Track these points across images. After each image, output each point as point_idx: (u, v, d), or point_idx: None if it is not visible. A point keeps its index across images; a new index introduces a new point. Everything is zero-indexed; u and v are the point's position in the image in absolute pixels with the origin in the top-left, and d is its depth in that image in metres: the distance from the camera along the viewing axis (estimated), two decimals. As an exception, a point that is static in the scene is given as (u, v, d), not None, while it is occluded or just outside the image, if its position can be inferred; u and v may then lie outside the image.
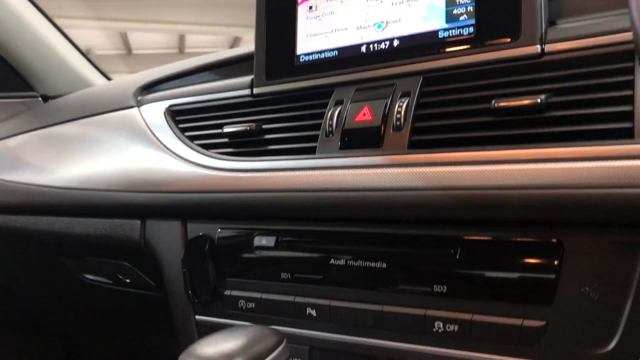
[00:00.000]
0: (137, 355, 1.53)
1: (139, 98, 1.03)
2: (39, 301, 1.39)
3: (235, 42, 10.55)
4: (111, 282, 1.10)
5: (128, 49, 10.26)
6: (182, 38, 10.30)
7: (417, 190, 0.64)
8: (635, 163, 0.53)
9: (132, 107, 1.02)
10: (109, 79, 1.56)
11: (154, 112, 0.97)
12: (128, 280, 1.05)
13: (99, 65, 1.58)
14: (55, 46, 1.53)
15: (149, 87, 1.04)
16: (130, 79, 1.12)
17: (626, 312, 0.55)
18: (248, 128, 0.82)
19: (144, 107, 1.00)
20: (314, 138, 0.75)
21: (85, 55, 1.62)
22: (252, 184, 0.77)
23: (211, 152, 0.85)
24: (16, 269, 1.31)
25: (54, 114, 1.22)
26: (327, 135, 0.74)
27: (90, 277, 1.15)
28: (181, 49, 10.89)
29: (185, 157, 0.86)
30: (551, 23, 0.68)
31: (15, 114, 1.41)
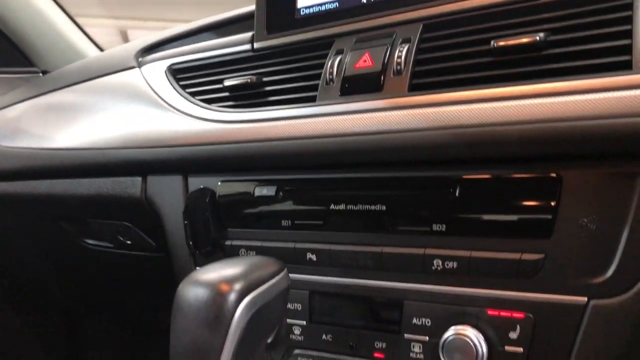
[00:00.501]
0: (138, 327, 1.53)
1: (140, 59, 1.03)
2: (39, 272, 1.39)
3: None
4: (112, 245, 1.11)
5: (127, 44, 10.22)
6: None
7: (417, 131, 0.65)
8: (633, 93, 0.54)
9: (133, 67, 1.02)
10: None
11: (155, 71, 0.97)
12: (129, 242, 1.06)
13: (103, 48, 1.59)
14: (56, 22, 1.54)
15: (150, 49, 1.04)
16: (130, 44, 1.13)
17: (623, 241, 0.56)
18: (249, 80, 0.82)
19: (145, 67, 1.00)
20: (315, 87, 0.76)
21: (86, 33, 1.63)
22: (253, 133, 0.77)
23: (212, 106, 0.85)
24: (16, 239, 1.31)
25: (53, 82, 1.23)
26: (327, 83, 0.74)
27: (91, 242, 1.15)
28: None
29: (186, 111, 0.86)
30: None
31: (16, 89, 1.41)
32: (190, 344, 0.41)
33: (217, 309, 0.41)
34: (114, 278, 1.28)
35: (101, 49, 1.60)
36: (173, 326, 0.47)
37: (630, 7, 0.59)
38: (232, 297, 0.42)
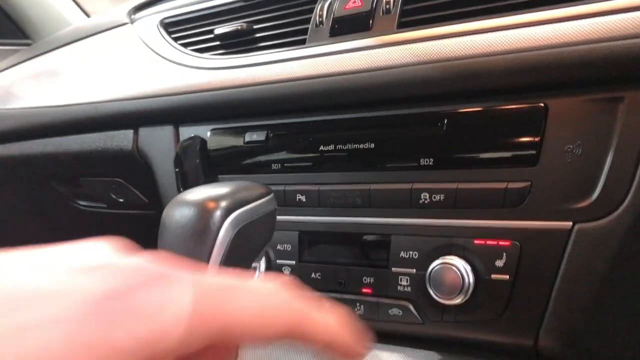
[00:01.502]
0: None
1: (133, 16, 1.03)
2: (32, 237, 1.39)
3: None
4: (105, 205, 1.11)
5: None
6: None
7: (406, 66, 0.65)
8: (614, 17, 0.54)
9: (125, 24, 1.02)
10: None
11: (147, 26, 0.97)
12: (121, 200, 1.06)
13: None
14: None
15: (143, 6, 1.04)
16: (123, 5, 1.13)
17: (607, 165, 0.56)
18: (239, 27, 0.82)
19: (137, 23, 1.00)
20: (305, 31, 0.76)
21: (80, 6, 1.62)
22: (243, 78, 0.77)
23: (204, 54, 0.86)
24: (8, 203, 1.31)
25: (45, 46, 1.23)
26: (317, 26, 0.75)
27: (83, 203, 1.15)
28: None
29: (178, 60, 0.87)
30: None
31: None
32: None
33: (203, 225, 0.41)
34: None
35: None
36: (160, 244, 0.48)
37: None
38: (218, 213, 0.42)
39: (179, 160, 0.84)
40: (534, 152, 0.60)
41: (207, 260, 0.41)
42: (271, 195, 0.49)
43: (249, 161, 0.79)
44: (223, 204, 0.43)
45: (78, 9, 1.60)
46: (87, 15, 1.57)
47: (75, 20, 1.55)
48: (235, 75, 0.78)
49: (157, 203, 0.93)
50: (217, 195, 0.48)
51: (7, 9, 1.51)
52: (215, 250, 0.41)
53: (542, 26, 0.58)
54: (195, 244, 0.42)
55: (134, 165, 0.94)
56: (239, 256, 0.43)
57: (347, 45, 0.70)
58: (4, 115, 1.12)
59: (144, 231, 1.10)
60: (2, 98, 1.16)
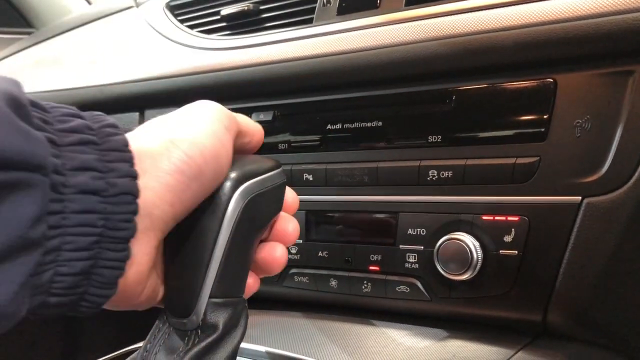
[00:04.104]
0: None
1: (138, 0, 1.03)
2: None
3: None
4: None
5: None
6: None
7: (414, 43, 0.65)
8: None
9: (130, 8, 1.02)
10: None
11: (153, 9, 0.97)
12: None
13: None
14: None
15: (148, -9, 1.04)
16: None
17: (616, 139, 0.56)
18: (246, 8, 0.82)
19: (142, 6, 1.00)
20: (312, 10, 0.76)
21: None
22: (251, 58, 0.77)
23: (212, 36, 0.85)
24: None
25: (49, 31, 1.23)
26: (324, 5, 0.75)
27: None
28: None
29: (184, 42, 0.86)
30: None
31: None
32: (188, 227, 0.41)
33: (213, 195, 0.41)
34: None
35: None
36: None
37: None
38: (228, 184, 0.42)
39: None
40: (542, 127, 0.60)
41: (218, 231, 0.40)
42: (280, 169, 0.49)
43: (255, 141, 0.79)
44: (233, 175, 0.43)
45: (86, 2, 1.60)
46: (89, 2, 1.57)
47: (77, 8, 1.55)
48: (242, 55, 0.78)
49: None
50: None
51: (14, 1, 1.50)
52: (225, 221, 0.41)
53: (550, 0, 0.58)
54: (206, 215, 0.42)
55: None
56: (249, 227, 0.42)
57: (354, 24, 0.70)
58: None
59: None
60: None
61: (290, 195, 0.49)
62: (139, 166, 0.33)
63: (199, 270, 0.39)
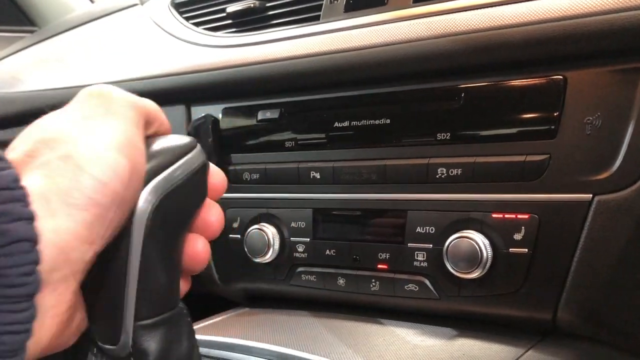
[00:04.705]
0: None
1: (142, -2, 1.03)
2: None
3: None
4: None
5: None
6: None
7: (422, 40, 0.65)
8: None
9: (135, 5, 1.02)
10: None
11: (158, 6, 0.97)
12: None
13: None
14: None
15: (152, -11, 1.04)
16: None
17: (628, 135, 0.56)
18: (252, 5, 0.82)
19: (147, 4, 1.00)
20: (319, 7, 0.76)
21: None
22: (257, 55, 0.77)
23: (217, 33, 0.85)
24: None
25: (52, 29, 1.22)
26: (331, 2, 0.74)
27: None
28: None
29: (189, 39, 0.86)
30: None
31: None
32: None
33: None
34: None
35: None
36: None
37: None
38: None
39: (190, 140, 0.83)
40: (552, 124, 0.59)
41: (128, 244, 0.33)
42: (197, 148, 0.39)
43: (262, 139, 0.79)
44: None
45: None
46: (92, 0, 1.57)
47: (80, 7, 1.54)
48: (248, 52, 0.78)
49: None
50: None
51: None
52: (134, 232, 0.34)
53: (561, -4, 0.57)
54: None
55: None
56: (167, 230, 0.36)
57: (362, 21, 0.70)
58: (11, 99, 1.11)
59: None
60: (9, 83, 1.15)
61: (216, 176, 0.41)
62: (41, 204, 0.28)
63: (117, 294, 0.33)
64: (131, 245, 0.33)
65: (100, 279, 0.34)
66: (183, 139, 0.39)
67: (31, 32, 1.50)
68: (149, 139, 0.37)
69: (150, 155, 0.35)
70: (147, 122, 0.37)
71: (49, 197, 0.28)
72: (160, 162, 0.36)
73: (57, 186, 0.29)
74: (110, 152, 0.31)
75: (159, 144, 0.37)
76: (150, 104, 0.38)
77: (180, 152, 0.37)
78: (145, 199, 0.34)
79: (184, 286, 0.40)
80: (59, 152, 0.30)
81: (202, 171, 0.39)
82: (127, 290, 0.33)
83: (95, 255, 0.31)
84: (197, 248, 0.39)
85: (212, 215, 0.40)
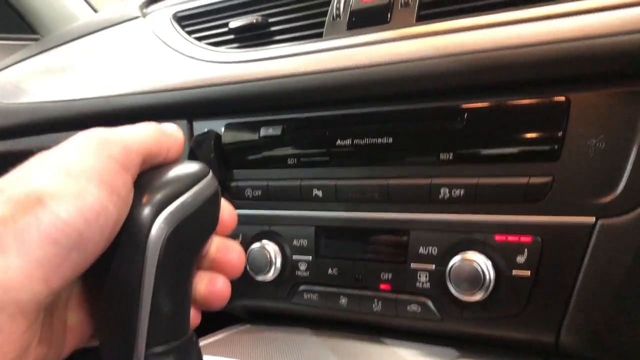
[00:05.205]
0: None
1: (144, 10, 1.03)
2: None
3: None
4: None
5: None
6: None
7: (425, 59, 0.64)
8: (637, 11, 0.53)
9: (137, 18, 1.02)
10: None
11: (160, 20, 0.97)
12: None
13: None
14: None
15: (155, 0, 1.04)
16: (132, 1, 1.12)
17: (631, 159, 0.56)
18: (254, 21, 0.82)
19: (149, 17, 1.00)
20: (321, 24, 0.76)
21: (89, 3, 1.62)
22: (259, 72, 0.77)
23: (219, 48, 0.85)
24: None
25: (55, 40, 1.22)
26: (334, 19, 0.74)
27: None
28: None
29: (192, 54, 0.86)
30: None
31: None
32: (107, 269, 0.34)
33: (131, 227, 0.34)
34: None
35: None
36: None
37: None
38: (146, 212, 0.34)
39: (192, 155, 0.83)
40: (555, 146, 0.59)
41: (141, 272, 0.34)
42: (210, 175, 0.39)
43: (264, 156, 0.78)
44: (148, 200, 0.34)
45: (86, 5, 1.60)
46: (95, 10, 1.57)
47: (83, 15, 1.55)
48: (251, 69, 0.78)
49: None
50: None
51: (15, 4, 1.50)
52: (148, 259, 0.34)
53: (564, 18, 0.57)
54: (124, 253, 0.34)
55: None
56: (179, 258, 0.36)
57: (365, 39, 0.70)
58: (13, 110, 1.11)
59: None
60: (12, 93, 1.15)
61: (227, 210, 0.41)
62: None
63: (129, 321, 0.34)
64: (144, 274, 0.33)
65: (110, 305, 0.34)
66: (195, 166, 0.39)
67: (33, 40, 1.50)
68: (160, 168, 0.37)
69: (162, 184, 0.36)
70: (149, 156, 0.36)
71: (1, 232, 0.27)
72: (173, 190, 0.35)
73: (14, 221, 0.28)
74: (79, 190, 0.30)
75: (170, 172, 0.37)
76: (148, 140, 0.36)
77: (192, 180, 0.37)
78: (158, 227, 0.34)
79: (195, 319, 0.40)
80: (25, 186, 0.29)
81: (215, 199, 0.39)
82: (139, 318, 0.33)
83: (54, 294, 0.30)
84: (217, 287, 0.40)
85: (233, 254, 0.41)
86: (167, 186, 0.36)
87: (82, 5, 1.59)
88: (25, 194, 0.29)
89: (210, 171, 0.40)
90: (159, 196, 0.35)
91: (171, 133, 0.39)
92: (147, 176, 0.36)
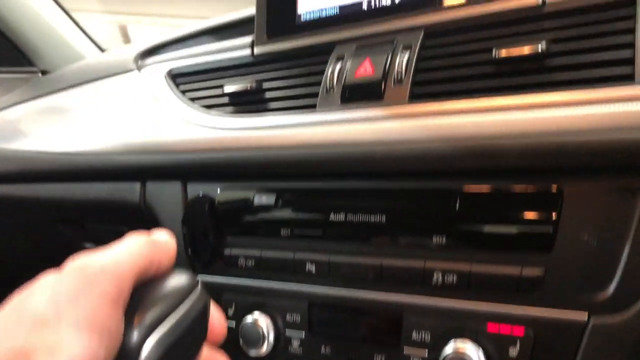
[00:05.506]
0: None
1: (140, 63, 1.02)
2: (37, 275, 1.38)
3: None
4: (111, 249, 1.10)
5: (128, 42, 10.27)
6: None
7: (418, 142, 0.64)
8: (636, 107, 0.53)
9: (132, 70, 1.01)
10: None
11: (155, 75, 0.96)
12: (128, 246, 1.05)
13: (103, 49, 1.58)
14: (55, 22, 1.53)
15: (150, 53, 1.03)
16: (130, 47, 1.12)
17: (624, 258, 0.55)
18: (248, 87, 0.81)
19: (144, 71, 0.99)
20: (315, 94, 0.75)
21: (85, 32, 1.62)
22: (252, 141, 0.76)
23: (212, 111, 0.85)
24: (15, 243, 1.31)
25: (52, 83, 1.22)
26: (327, 91, 0.74)
27: (89, 245, 1.15)
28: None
29: (185, 117, 0.86)
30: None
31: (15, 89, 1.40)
32: None
33: (118, 354, 0.33)
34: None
35: (101, 49, 1.60)
36: None
37: (632, 17, 0.58)
38: (135, 337, 0.34)
39: (186, 221, 0.83)
40: (548, 237, 0.59)
41: None
42: (199, 287, 0.39)
43: (258, 224, 0.78)
44: (136, 324, 0.34)
45: (87, 39, 1.60)
46: (100, 48, 1.57)
47: (85, 50, 1.54)
48: (243, 137, 0.78)
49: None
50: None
51: (11, 36, 1.49)
52: None
53: (558, 109, 0.57)
54: None
55: (141, 216, 0.93)
56: None
57: (358, 114, 0.69)
58: (10, 156, 1.11)
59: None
60: (9, 136, 1.15)
61: (217, 319, 0.41)
62: None
63: None
64: None
65: None
66: (183, 280, 0.38)
67: (30, 72, 1.49)
68: (149, 284, 0.37)
69: (151, 303, 0.35)
70: (141, 275, 0.36)
71: None
72: (163, 310, 0.35)
73: None
74: (68, 341, 0.30)
75: (159, 289, 0.36)
76: (139, 260, 0.36)
77: (181, 296, 0.37)
78: (149, 352, 0.34)
79: None
80: (13, 342, 0.29)
81: (204, 313, 0.39)
82: None
83: None
84: None
85: None
86: (156, 306, 0.35)
87: (88, 44, 1.59)
88: (13, 353, 0.28)
89: (199, 282, 0.40)
90: (148, 318, 0.35)
91: (163, 244, 0.40)
92: (136, 294, 0.36)
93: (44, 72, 1.46)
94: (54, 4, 1.56)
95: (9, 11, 1.46)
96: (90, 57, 1.33)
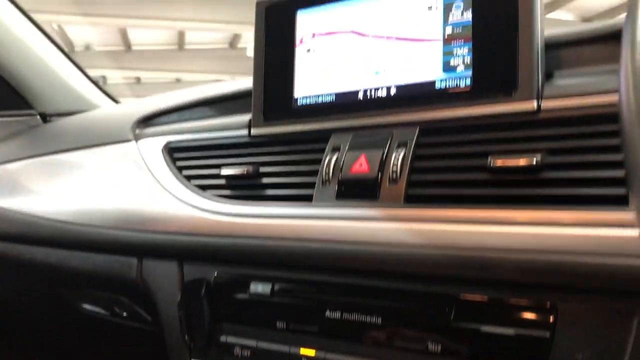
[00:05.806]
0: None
1: (137, 132, 1.02)
2: (36, 332, 1.38)
3: (234, 38, 10.62)
4: (108, 313, 1.10)
5: (127, 45, 10.33)
6: (181, 35, 10.40)
7: (411, 246, 0.64)
8: (629, 233, 0.53)
9: (129, 140, 1.02)
10: (109, 96, 1.56)
11: (152, 148, 0.96)
12: (125, 314, 1.05)
13: (103, 88, 1.58)
14: (54, 64, 1.53)
15: (147, 120, 1.04)
16: (128, 109, 1.12)
17: (620, 380, 0.55)
18: (245, 172, 0.81)
19: (141, 142, 0.99)
20: (311, 185, 0.75)
21: (85, 72, 1.62)
22: (248, 229, 0.76)
23: (208, 192, 0.85)
24: (15, 298, 1.30)
25: (52, 139, 1.22)
26: (324, 184, 0.74)
27: (87, 307, 1.15)
28: (180, 46, 10.98)
29: (182, 198, 0.86)
30: (548, 75, 0.68)
31: (14, 131, 1.41)
32: None
33: None
34: (111, 345, 1.27)
35: (101, 89, 1.60)
36: None
37: (617, 134, 0.58)
38: None
39: (183, 305, 0.83)
40: (543, 354, 0.58)
41: None
42: None
43: (253, 314, 0.78)
44: None
45: (87, 80, 1.60)
46: (100, 89, 1.57)
47: (85, 92, 1.53)
48: (239, 224, 0.78)
49: (160, 322, 0.92)
50: None
51: (12, 81, 1.49)
52: None
53: (553, 227, 0.57)
54: None
55: (137, 289, 0.93)
56: None
57: (353, 212, 0.69)
58: (7, 217, 1.11)
59: (148, 345, 1.10)
60: (7, 194, 1.15)
61: None
62: None
63: None
64: None
65: None
66: None
67: (28, 115, 1.49)
68: None
69: None
70: None
71: None
72: None
73: None
74: None
75: None
76: None
77: None
78: None
79: None
80: None
81: None
82: None
83: None
84: None
85: None
86: None
87: (81, 80, 1.59)
88: None
89: None
90: None
91: None
92: None
93: (42, 115, 1.45)
94: (52, 46, 1.56)
95: (6, 53, 1.45)
96: (89, 113, 1.32)
